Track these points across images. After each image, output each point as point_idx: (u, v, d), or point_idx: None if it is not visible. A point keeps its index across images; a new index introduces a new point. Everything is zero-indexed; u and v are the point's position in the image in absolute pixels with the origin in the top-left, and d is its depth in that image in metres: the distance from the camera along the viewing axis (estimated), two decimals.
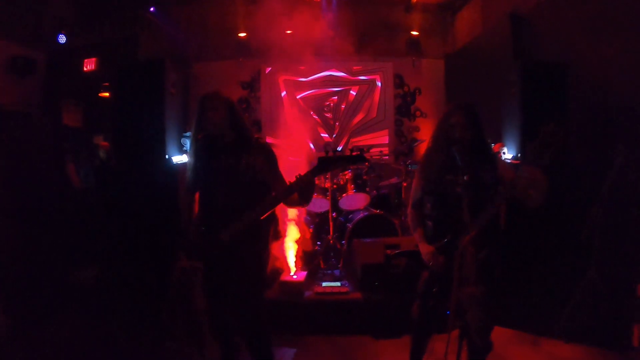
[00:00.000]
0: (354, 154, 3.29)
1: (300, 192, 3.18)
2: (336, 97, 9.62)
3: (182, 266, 3.22)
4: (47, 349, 4.51)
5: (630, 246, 4.68)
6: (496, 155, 3.53)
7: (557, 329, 4.87)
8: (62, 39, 7.61)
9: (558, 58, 5.66)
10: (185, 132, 6.11)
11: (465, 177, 3.20)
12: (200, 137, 3.42)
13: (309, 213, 6.71)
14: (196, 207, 3.48)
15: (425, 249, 3.45)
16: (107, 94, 7.87)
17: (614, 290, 4.62)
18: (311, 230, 6.30)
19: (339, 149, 9.09)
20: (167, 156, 5.61)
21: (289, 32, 9.02)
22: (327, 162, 3.16)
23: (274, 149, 3.47)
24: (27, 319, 4.95)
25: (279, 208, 3.79)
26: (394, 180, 7.62)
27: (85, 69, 7.99)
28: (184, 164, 3.85)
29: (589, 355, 4.55)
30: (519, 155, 5.45)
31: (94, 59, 7.97)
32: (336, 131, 9.58)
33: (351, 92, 9.62)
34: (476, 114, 3.38)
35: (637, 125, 4.64)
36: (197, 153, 3.45)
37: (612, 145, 4.81)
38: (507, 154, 5.68)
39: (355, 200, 6.70)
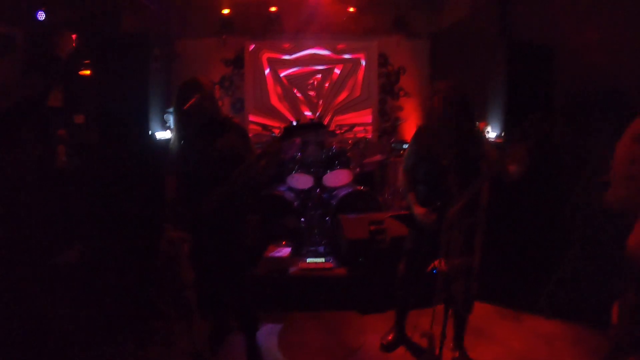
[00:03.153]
0: (315, 122, 3.57)
1: (266, 160, 3.51)
2: (320, 76, 9.57)
3: (168, 237, 3.30)
4: (33, 330, 4.50)
5: (611, 225, 4.76)
6: (482, 133, 3.73)
7: (538, 305, 4.97)
8: (41, 15, 7.47)
9: (544, 40, 5.70)
10: (168, 109, 6.09)
11: (453, 151, 3.36)
12: (180, 119, 3.71)
13: (292, 190, 6.73)
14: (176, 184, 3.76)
15: (418, 210, 3.74)
16: (87, 72, 7.76)
17: (595, 268, 4.71)
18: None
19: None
20: (150, 132, 5.58)
21: (273, 9, 8.97)
22: (291, 130, 3.51)
23: (256, 127, 3.74)
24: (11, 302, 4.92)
25: None
26: (377, 157, 7.65)
27: None
28: (168, 140, 3.94)
29: (570, 331, 4.66)
30: (502, 134, 5.50)
31: (73, 36, 7.83)
32: (320, 109, 9.56)
33: (335, 70, 9.58)
34: (468, 97, 3.67)
35: (620, 106, 4.70)
36: (179, 134, 3.74)
37: (595, 125, 4.88)
38: (491, 133, 5.73)
39: (338, 177, 6.72)
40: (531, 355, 4.27)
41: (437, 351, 3.28)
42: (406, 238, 4.11)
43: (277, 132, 8.10)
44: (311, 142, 6.66)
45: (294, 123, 3.67)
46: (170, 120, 6.01)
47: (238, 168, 3.44)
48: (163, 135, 5.76)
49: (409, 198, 3.86)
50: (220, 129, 3.67)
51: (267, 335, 4.63)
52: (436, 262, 3.22)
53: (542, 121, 3.11)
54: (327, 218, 6.51)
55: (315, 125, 3.70)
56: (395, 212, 4.15)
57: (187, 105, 3.45)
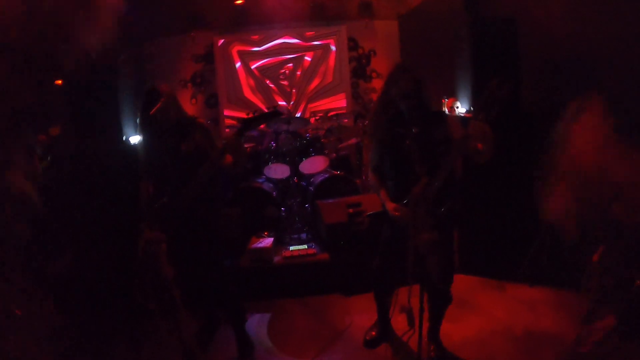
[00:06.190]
0: (270, 111, 3.65)
1: (231, 154, 3.62)
2: (291, 64, 9.58)
3: (146, 238, 3.36)
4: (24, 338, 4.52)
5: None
6: (445, 113, 3.68)
7: (520, 274, 5.06)
8: None
9: (507, 13, 5.76)
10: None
11: (413, 130, 3.33)
12: (147, 124, 3.79)
13: (270, 180, 6.78)
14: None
15: (390, 206, 3.62)
16: (59, 81, 7.70)
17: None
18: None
19: (298, 114, 9.15)
20: (124, 137, 5.60)
21: (239, 1, 8.94)
22: (248, 122, 3.68)
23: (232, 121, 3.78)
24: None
25: None
26: (352, 141, 7.70)
27: None
28: (141, 143, 4.02)
29: (551, 296, 4.77)
30: (472, 109, 5.57)
31: None
32: (293, 98, 9.58)
33: (306, 58, 9.59)
34: (419, 76, 3.56)
35: (585, 74, 4.78)
36: (147, 139, 3.89)
37: (561, 96, 4.96)
38: (461, 109, 5.80)
39: (314, 164, 6.79)
40: (515, 321, 4.37)
41: (416, 326, 3.32)
42: (381, 234, 3.98)
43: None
44: (284, 131, 6.71)
45: (250, 115, 3.72)
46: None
47: (203, 166, 3.52)
48: (136, 138, 5.77)
49: (381, 195, 3.77)
50: (185, 130, 3.76)
51: (257, 325, 4.71)
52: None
53: (498, 91, 3.06)
54: (306, 205, 6.57)
55: (271, 114, 3.82)
56: (372, 211, 4.19)
57: (154, 110, 3.51)
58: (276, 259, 5.46)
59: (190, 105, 9.43)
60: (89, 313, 4.87)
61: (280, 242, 5.98)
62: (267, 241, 5.56)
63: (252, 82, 9.57)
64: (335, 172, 6.55)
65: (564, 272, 4.76)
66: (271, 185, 6.62)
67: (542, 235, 5.02)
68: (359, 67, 9.73)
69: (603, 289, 2.69)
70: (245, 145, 7.14)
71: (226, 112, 9.52)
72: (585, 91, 4.69)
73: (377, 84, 9.70)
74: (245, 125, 3.63)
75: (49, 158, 7.61)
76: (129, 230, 4.68)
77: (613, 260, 2.63)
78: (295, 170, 6.70)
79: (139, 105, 3.74)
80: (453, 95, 5.98)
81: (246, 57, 9.56)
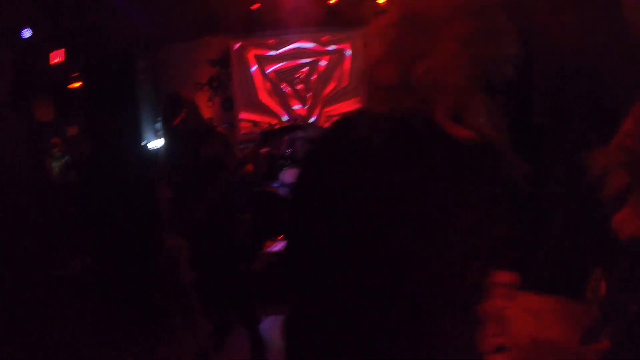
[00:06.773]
0: (290, 124, 3.78)
1: (252, 164, 3.91)
2: (307, 69, 9.64)
3: (167, 245, 3.46)
4: (41, 341, 4.64)
5: (589, 204, 4.89)
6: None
7: (527, 283, 5.11)
8: (27, 33, 7.53)
9: (519, 24, 5.80)
10: (158, 117, 6.24)
11: None
12: (168, 133, 4.01)
13: (285, 185, 6.87)
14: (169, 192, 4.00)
15: None
16: (77, 84, 7.85)
17: (576, 245, 4.84)
18: None
19: (312, 119, 9.21)
20: (143, 142, 5.69)
21: (255, 6, 9.02)
22: (268, 134, 3.66)
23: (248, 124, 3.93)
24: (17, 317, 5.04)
25: None
26: None
27: (52, 61, 7.94)
28: (159, 149, 4.15)
29: (557, 305, 4.70)
30: None
31: (61, 51, 7.91)
32: (309, 102, 9.62)
33: (321, 62, 9.65)
34: None
35: (593, 86, 4.82)
36: (168, 146, 4.08)
37: (572, 104, 5.01)
38: None
39: None
40: (520, 330, 4.39)
41: None
42: None
43: (265, 126, 8.22)
44: (299, 137, 6.81)
45: (270, 127, 3.84)
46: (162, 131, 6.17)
47: (221, 174, 3.72)
48: (155, 143, 5.88)
49: None
50: (204, 138, 3.89)
51: (270, 327, 4.79)
52: None
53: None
54: None
55: (291, 127, 3.89)
56: None
57: (176, 122, 3.64)
58: None
59: (206, 108, 9.50)
60: (105, 312, 5.00)
61: None
62: (282, 245, 5.61)
63: (268, 85, 9.64)
64: None
65: (572, 281, 4.83)
66: (286, 190, 6.72)
67: (551, 243, 5.07)
68: None
69: (602, 311, 2.70)
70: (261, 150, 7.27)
71: (241, 116, 9.59)
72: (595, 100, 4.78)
73: None
74: (265, 137, 3.75)
75: (66, 159, 7.81)
76: (145, 231, 4.80)
77: (612, 285, 2.64)
78: None
79: (161, 110, 3.94)
80: None
81: (262, 61, 9.64)
